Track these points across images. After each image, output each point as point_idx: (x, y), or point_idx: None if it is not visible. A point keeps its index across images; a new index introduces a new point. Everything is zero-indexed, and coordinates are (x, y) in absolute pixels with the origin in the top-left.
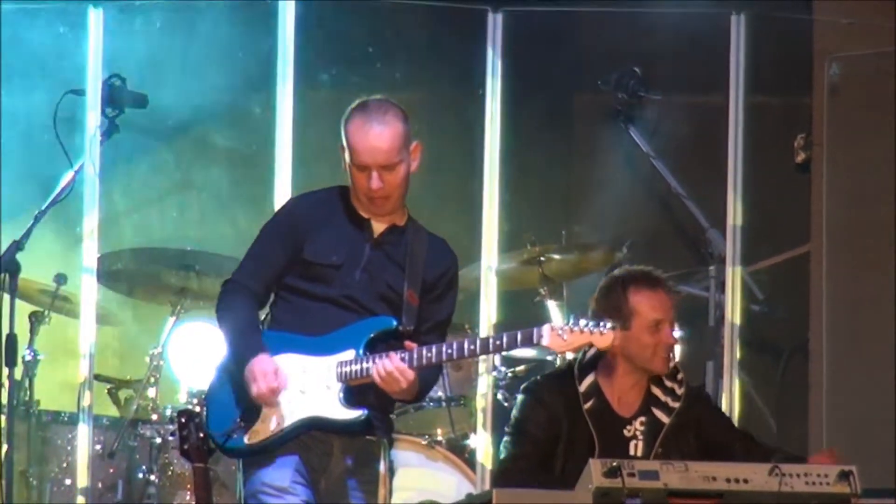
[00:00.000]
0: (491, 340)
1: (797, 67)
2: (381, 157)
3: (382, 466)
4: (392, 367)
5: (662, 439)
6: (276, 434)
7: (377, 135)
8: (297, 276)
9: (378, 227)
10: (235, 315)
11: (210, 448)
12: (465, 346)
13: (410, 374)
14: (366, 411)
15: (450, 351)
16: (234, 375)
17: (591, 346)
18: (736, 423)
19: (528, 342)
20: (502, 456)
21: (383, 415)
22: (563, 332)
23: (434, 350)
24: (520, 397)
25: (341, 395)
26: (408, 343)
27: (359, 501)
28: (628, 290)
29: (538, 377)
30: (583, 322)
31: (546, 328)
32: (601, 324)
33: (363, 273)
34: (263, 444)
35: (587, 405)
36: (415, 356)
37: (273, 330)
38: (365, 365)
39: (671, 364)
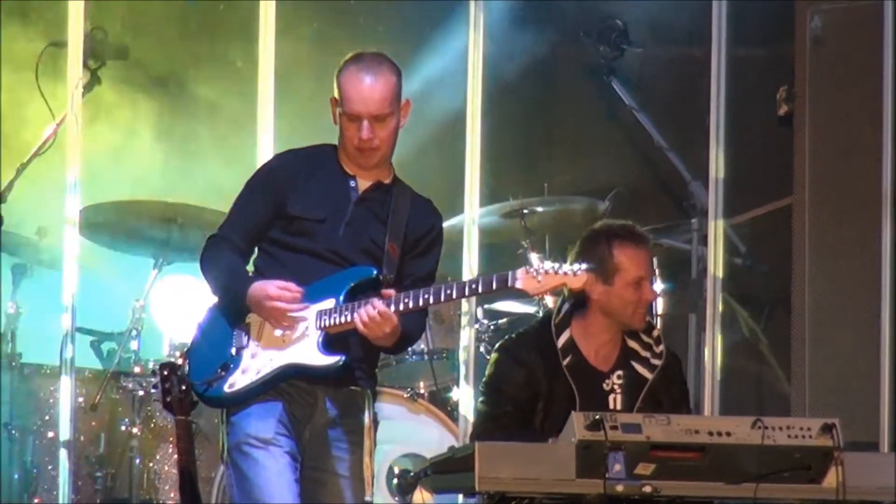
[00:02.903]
0: (467, 285)
1: (780, 19)
2: (372, 107)
3: (367, 417)
4: (375, 313)
5: (645, 395)
6: (255, 382)
7: (370, 85)
8: (280, 230)
9: (363, 183)
10: (222, 262)
11: (193, 401)
12: (442, 290)
13: (394, 318)
14: (344, 357)
15: (426, 296)
16: (216, 324)
17: (564, 287)
18: (718, 377)
19: (503, 285)
20: (479, 415)
21: (368, 366)
22: (537, 275)
23: (411, 295)
24: (494, 355)
25: (320, 341)
26: (385, 291)
27: (343, 452)
28: (613, 245)
29: (513, 335)
30: (557, 264)
31: (520, 271)
32: (575, 265)
33: (347, 228)
34: (242, 392)
35: (566, 361)
36: (392, 302)
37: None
38: (345, 313)
39: (646, 319)
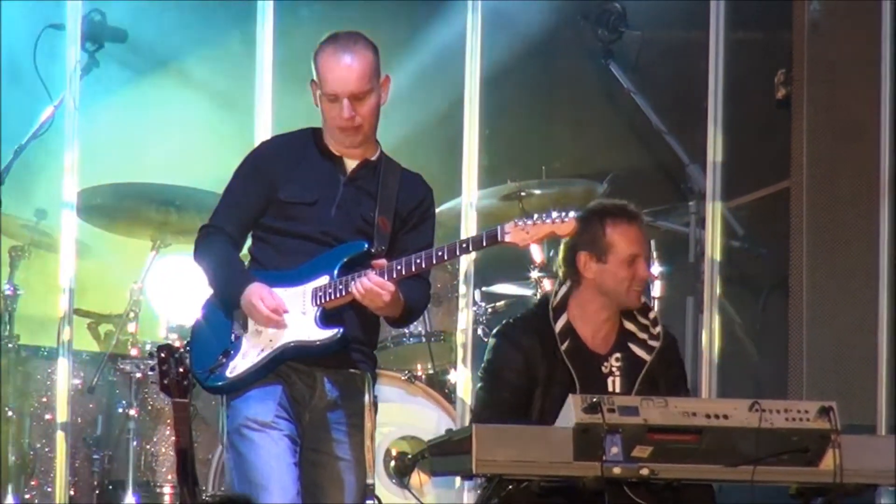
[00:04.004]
0: (458, 245)
1: (778, 3)
2: (351, 86)
3: (367, 399)
4: (371, 284)
5: (644, 377)
6: (256, 365)
7: (347, 64)
8: (273, 217)
9: (350, 163)
10: (215, 254)
11: (190, 383)
12: (434, 253)
13: (390, 286)
14: (341, 329)
15: (418, 260)
16: (215, 313)
17: (553, 235)
18: (716, 360)
19: (493, 241)
20: (478, 402)
21: (367, 348)
22: (525, 227)
23: (403, 262)
24: (492, 340)
25: (317, 317)
26: (376, 262)
27: (343, 435)
28: (605, 223)
29: (511, 319)
30: (545, 214)
31: (508, 224)
32: (562, 212)
33: (338, 210)
34: (245, 376)
35: (564, 345)
36: (385, 271)
37: (252, 269)
38: (339, 287)
39: (643, 300)
